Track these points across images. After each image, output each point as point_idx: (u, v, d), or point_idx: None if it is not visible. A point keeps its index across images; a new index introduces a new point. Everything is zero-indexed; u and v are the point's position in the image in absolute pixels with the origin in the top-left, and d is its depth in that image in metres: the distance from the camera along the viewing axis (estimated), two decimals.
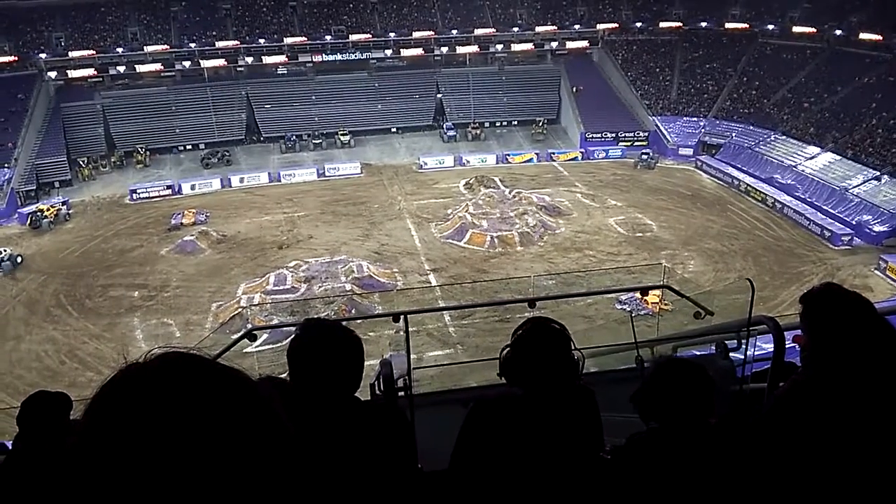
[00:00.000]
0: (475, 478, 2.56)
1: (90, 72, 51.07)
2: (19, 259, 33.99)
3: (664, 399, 2.50)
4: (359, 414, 2.42)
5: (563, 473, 2.48)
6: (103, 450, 0.80)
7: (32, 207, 39.25)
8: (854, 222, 35.43)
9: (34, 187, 42.49)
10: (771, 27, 53.89)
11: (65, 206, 40.13)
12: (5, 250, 33.92)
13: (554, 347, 2.62)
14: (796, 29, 52.47)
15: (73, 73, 50.70)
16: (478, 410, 2.67)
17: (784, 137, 45.67)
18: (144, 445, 0.79)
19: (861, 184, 38.46)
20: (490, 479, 2.52)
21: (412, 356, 5.23)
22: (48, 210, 38.91)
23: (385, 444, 2.42)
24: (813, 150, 43.27)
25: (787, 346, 4.09)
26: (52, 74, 49.63)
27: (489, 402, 2.69)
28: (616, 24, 57.83)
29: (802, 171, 41.56)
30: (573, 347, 2.68)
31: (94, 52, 51.11)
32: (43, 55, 49.62)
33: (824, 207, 37.41)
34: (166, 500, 0.78)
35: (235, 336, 6.45)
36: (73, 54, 50.64)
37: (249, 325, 22.82)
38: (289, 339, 2.44)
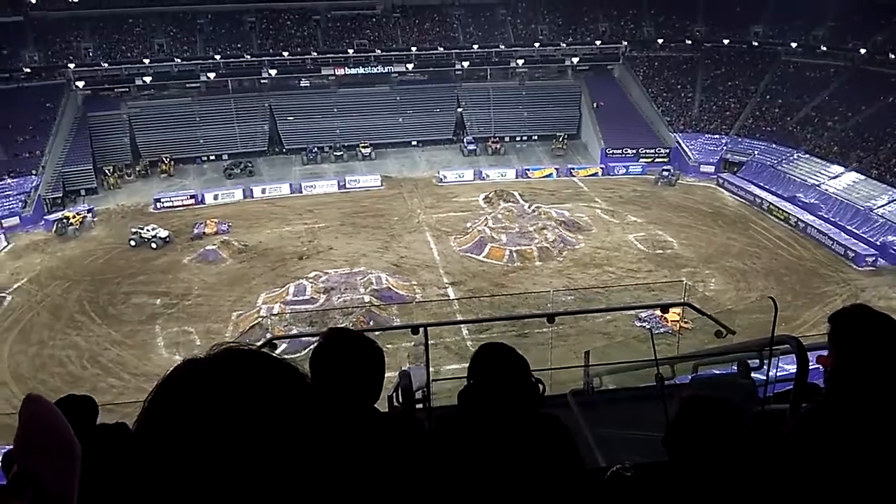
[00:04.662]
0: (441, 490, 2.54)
1: (117, 82, 52.02)
2: (167, 238, 37.20)
3: (696, 441, 2.43)
4: (379, 424, 2.43)
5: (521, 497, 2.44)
6: (166, 441, 0.81)
7: (58, 214, 39.90)
8: (878, 243, 34.85)
9: (61, 195, 43.16)
10: (794, 45, 53.51)
11: (90, 214, 40.73)
12: (154, 227, 37.70)
13: (509, 373, 2.54)
14: (820, 47, 52.06)
15: (100, 83, 51.69)
16: (440, 425, 2.65)
17: (807, 156, 45.16)
18: (208, 436, 0.80)
19: (886, 204, 37.86)
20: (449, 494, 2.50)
21: (430, 369, 5.23)
22: (74, 217, 39.46)
23: (404, 455, 2.42)
24: (837, 169, 42.77)
25: (809, 367, 4.05)
26: (80, 84, 50.59)
27: (451, 417, 2.65)
28: (638, 41, 57.78)
29: (826, 190, 41.06)
30: (532, 375, 2.60)
31: (122, 63, 52.11)
32: (71, 65, 50.57)
33: (848, 227, 36.86)
34: (227, 494, 0.79)
35: (255, 345, 6.49)
36: (101, 64, 51.63)
37: (269, 335, 22.97)
38: (308, 348, 2.46)
